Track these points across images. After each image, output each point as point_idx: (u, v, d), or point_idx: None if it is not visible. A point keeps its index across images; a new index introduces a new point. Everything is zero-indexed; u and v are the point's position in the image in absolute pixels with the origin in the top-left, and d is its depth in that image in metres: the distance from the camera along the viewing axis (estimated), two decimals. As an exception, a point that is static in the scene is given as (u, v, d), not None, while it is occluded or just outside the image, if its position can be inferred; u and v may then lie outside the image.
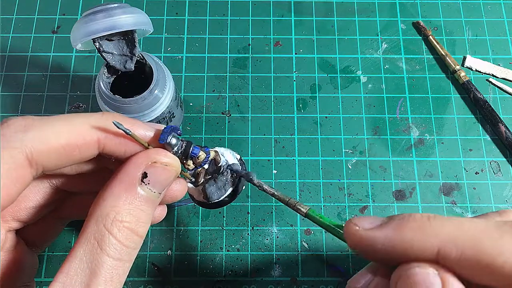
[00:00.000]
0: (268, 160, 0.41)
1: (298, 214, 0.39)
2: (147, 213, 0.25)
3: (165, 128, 0.26)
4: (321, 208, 0.39)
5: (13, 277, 0.27)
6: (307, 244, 0.38)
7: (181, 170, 0.29)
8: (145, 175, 0.25)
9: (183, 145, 0.27)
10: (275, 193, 0.29)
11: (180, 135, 0.27)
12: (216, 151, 0.30)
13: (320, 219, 0.26)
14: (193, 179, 0.31)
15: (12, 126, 0.23)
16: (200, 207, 0.33)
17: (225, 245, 0.38)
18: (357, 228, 0.22)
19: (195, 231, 0.38)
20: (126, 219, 0.23)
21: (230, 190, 0.31)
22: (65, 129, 0.24)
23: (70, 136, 0.24)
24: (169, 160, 0.26)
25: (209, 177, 0.31)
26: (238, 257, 0.37)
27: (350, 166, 0.40)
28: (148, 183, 0.25)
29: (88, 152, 0.25)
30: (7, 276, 0.27)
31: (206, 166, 0.30)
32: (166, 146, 0.26)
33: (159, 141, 0.26)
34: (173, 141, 0.26)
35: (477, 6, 0.47)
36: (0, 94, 0.42)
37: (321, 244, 0.38)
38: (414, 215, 0.22)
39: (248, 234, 0.38)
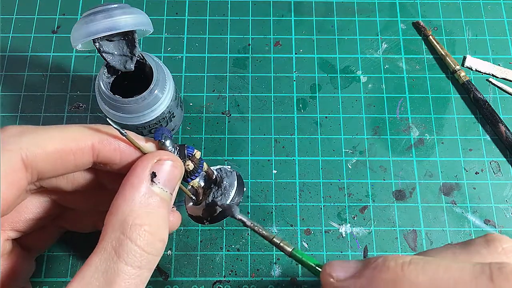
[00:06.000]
0: (268, 160, 0.41)
1: (298, 215, 0.39)
2: (164, 215, 0.24)
3: (157, 130, 0.27)
4: (321, 208, 0.39)
5: (9, 283, 0.27)
6: (307, 244, 0.38)
7: (184, 186, 0.29)
8: (154, 175, 0.24)
9: (177, 147, 0.28)
10: (260, 230, 0.28)
11: (171, 138, 0.27)
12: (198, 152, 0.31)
13: (303, 260, 0.26)
14: (194, 198, 0.31)
15: (8, 131, 0.23)
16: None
17: (225, 245, 0.38)
18: (332, 280, 0.22)
19: (195, 231, 0.38)
20: (146, 222, 0.23)
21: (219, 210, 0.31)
22: (59, 134, 0.24)
23: (64, 141, 0.24)
24: (173, 157, 0.26)
25: (208, 191, 0.32)
26: (238, 257, 0.37)
27: (350, 166, 0.41)
28: (159, 182, 0.24)
29: (83, 159, 0.25)
30: (4, 282, 0.27)
31: (202, 184, 0.31)
32: (162, 148, 0.27)
33: (155, 138, 0.26)
34: (168, 142, 0.27)
35: (477, 6, 0.47)
36: (0, 94, 0.42)
37: (321, 244, 0.38)
38: (389, 263, 0.21)
39: (248, 234, 0.38)
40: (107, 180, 0.29)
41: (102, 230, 0.23)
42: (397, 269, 0.21)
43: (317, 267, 0.26)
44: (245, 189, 0.33)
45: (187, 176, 0.29)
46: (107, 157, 0.26)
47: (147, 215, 0.23)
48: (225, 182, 0.31)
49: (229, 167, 0.33)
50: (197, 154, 0.29)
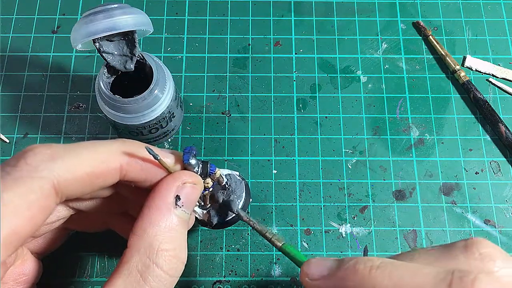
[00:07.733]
0: (268, 160, 0.41)
1: (298, 215, 0.39)
2: (185, 237, 0.25)
3: (185, 149, 0.27)
4: (321, 208, 0.39)
5: None
6: (307, 244, 0.38)
7: None
8: (178, 198, 0.25)
9: (200, 164, 0.28)
10: (254, 225, 0.30)
11: (196, 155, 0.28)
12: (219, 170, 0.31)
13: (291, 255, 0.27)
14: (202, 203, 0.31)
15: (39, 154, 0.23)
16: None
17: (225, 245, 0.38)
18: (307, 279, 0.24)
19: (195, 231, 0.38)
20: (171, 247, 0.24)
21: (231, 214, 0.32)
22: (90, 157, 0.24)
23: (95, 164, 0.24)
24: (196, 179, 0.27)
25: (215, 196, 0.32)
26: (238, 257, 0.38)
27: (350, 166, 0.41)
28: (182, 205, 0.25)
29: (110, 179, 0.25)
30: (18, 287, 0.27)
31: (211, 188, 0.31)
32: (188, 167, 0.27)
33: (184, 162, 0.27)
34: (193, 161, 0.27)
35: (477, 6, 0.47)
36: (0, 94, 0.42)
37: (321, 244, 0.38)
38: (358, 266, 0.22)
39: (248, 234, 0.38)
40: (126, 191, 0.29)
41: (125, 250, 0.24)
42: (365, 272, 0.21)
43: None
44: (251, 199, 0.33)
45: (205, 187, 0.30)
46: (133, 177, 0.26)
47: (172, 240, 0.24)
48: (233, 195, 0.32)
49: (238, 173, 0.33)
50: (218, 173, 0.30)
